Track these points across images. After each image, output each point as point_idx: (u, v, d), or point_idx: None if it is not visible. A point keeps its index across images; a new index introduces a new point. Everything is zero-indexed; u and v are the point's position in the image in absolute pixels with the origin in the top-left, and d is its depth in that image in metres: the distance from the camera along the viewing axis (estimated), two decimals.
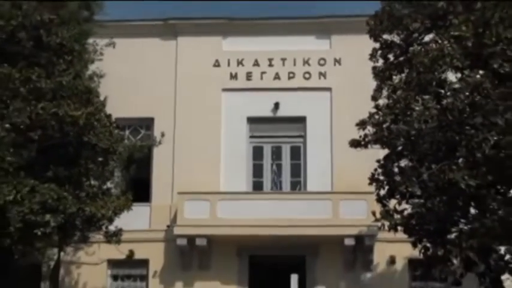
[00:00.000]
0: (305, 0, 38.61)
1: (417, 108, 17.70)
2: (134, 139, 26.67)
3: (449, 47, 17.38)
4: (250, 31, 27.34)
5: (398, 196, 18.81)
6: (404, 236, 19.37)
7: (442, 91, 18.24)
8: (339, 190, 25.20)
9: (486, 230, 16.79)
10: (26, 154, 19.17)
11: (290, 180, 26.57)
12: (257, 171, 26.68)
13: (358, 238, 24.37)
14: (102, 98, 22.69)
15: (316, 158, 26.17)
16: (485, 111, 16.81)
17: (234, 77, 27.00)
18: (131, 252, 25.34)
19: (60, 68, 20.20)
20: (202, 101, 26.63)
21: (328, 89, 26.71)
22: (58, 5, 21.00)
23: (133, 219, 23.48)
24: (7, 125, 18.22)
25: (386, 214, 18.95)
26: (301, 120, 26.73)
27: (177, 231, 24.78)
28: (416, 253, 19.67)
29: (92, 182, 21.35)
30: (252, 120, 26.90)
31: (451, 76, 18.39)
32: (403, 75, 19.15)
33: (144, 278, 25.94)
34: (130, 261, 25.56)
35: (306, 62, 26.91)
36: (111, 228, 21.93)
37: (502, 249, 18.10)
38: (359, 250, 24.83)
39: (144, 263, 25.80)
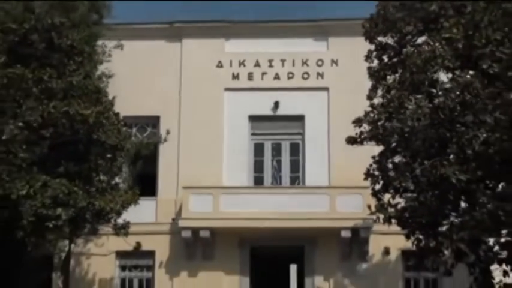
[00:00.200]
0: (303, 0, 38.58)
1: (410, 106, 17.69)
2: (141, 136, 26.62)
3: (440, 48, 17.37)
4: (252, 33, 27.32)
5: (392, 190, 18.83)
6: (398, 229, 19.39)
7: (434, 90, 18.24)
8: (336, 185, 25.19)
9: (476, 223, 16.78)
10: (38, 151, 19.17)
11: (289, 175, 26.57)
12: (258, 166, 26.67)
13: (354, 230, 24.37)
14: (110, 98, 22.72)
15: (314, 154, 26.17)
16: (475, 109, 16.80)
17: (236, 77, 26.99)
18: (138, 244, 25.35)
19: (71, 68, 20.21)
20: (206, 100, 26.62)
21: (326, 89, 26.70)
22: (69, 8, 21.00)
23: (140, 213, 23.53)
24: (20, 123, 18.21)
25: (381, 208, 18.97)
26: (300, 119, 26.72)
27: (182, 223, 24.79)
28: (409, 245, 19.68)
29: (101, 177, 21.37)
30: (253, 119, 26.89)
31: (443, 76, 18.39)
32: (397, 75, 19.16)
33: (150, 268, 25.95)
34: (137, 252, 25.57)
35: (305, 63, 26.88)
36: (119, 221, 21.98)
37: (491, 240, 18.11)
38: (355, 242, 24.83)
39: (151, 254, 25.81)
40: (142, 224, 24.50)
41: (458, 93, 17.19)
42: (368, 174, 19.74)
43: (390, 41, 19.94)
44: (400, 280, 25.33)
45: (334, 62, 26.82)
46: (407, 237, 19.20)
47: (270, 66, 26.93)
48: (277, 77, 26.83)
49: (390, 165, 19.22)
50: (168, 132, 25.49)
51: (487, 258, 17.92)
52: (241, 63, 27.03)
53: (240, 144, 26.56)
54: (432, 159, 17.28)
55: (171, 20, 27.48)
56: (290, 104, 26.54)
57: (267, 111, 26.75)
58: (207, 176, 25.66)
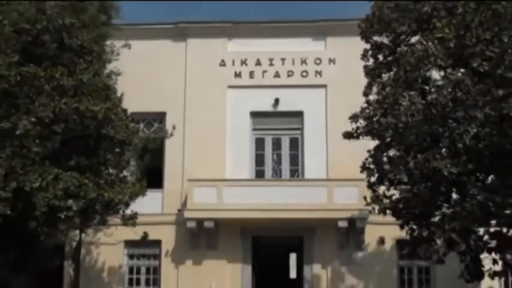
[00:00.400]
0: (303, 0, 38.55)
1: (404, 103, 17.67)
2: (148, 131, 26.63)
3: (433, 47, 17.35)
4: (253, 33, 27.28)
5: (387, 183, 18.82)
6: (393, 219, 19.39)
7: (427, 88, 18.24)
8: (333, 177, 25.19)
9: (467, 214, 16.81)
10: (50, 145, 19.18)
11: (289, 168, 26.55)
12: (259, 160, 26.65)
13: (351, 221, 24.37)
14: (119, 95, 22.71)
15: (313, 149, 26.14)
16: (466, 105, 16.80)
17: (238, 75, 26.96)
18: (145, 234, 25.32)
19: (81, 67, 20.18)
20: (210, 97, 26.59)
21: (324, 86, 26.66)
22: (79, 10, 20.98)
23: (148, 204, 23.58)
24: (33, 119, 18.21)
25: (376, 199, 19.00)
26: (299, 115, 26.70)
27: (187, 214, 24.80)
28: (403, 234, 19.71)
29: (110, 170, 21.38)
30: (254, 114, 26.86)
31: (435, 74, 18.37)
32: (392, 73, 19.14)
33: (157, 257, 25.97)
34: (144, 241, 25.55)
35: (304, 62, 26.85)
36: (128, 212, 22.01)
37: (481, 230, 18.14)
38: (351, 232, 24.83)
39: (157, 243, 25.82)
40: (149, 214, 24.52)
41: (450, 90, 17.19)
42: (364, 167, 19.74)
43: (385, 40, 19.92)
44: (394, 268, 25.34)
45: (331, 60, 26.78)
46: (401, 227, 19.21)
47: (271, 64, 26.90)
48: (277, 75, 26.80)
49: (385, 159, 19.22)
50: (173, 128, 25.43)
51: (477, 247, 17.94)
52: (243, 62, 27.01)
53: (242, 139, 26.55)
54: (425, 153, 17.28)
55: (176, 20, 27.44)
56: (290, 101, 26.51)
57: (268, 107, 26.71)
58: (211, 169, 25.67)
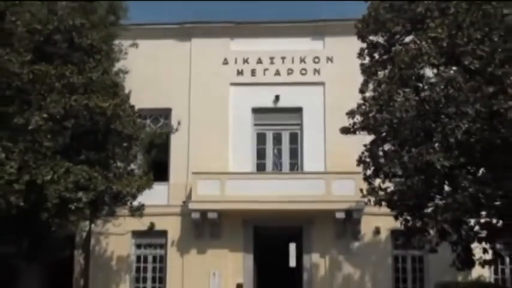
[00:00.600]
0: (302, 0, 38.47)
1: (399, 99, 17.65)
2: (154, 127, 26.64)
3: (426, 46, 17.30)
4: (254, 33, 27.24)
5: (382, 176, 18.79)
6: (388, 210, 19.38)
7: (420, 85, 18.19)
8: (331, 171, 25.16)
9: (458, 205, 16.79)
10: (61, 140, 19.19)
11: (289, 162, 26.54)
12: (260, 154, 26.64)
13: (348, 212, 24.38)
14: (126, 92, 22.77)
15: (312, 143, 26.12)
16: (457, 102, 16.76)
17: (240, 73, 26.93)
18: (152, 224, 25.38)
19: (91, 65, 20.17)
20: (213, 93, 26.57)
21: (322, 84, 26.62)
22: (88, 11, 20.98)
23: (154, 196, 23.57)
24: (45, 115, 18.20)
25: (372, 191, 18.99)
26: (298, 111, 26.67)
27: (191, 206, 24.82)
28: (397, 225, 19.71)
29: (118, 164, 21.40)
30: (256, 111, 26.84)
31: (428, 72, 18.32)
32: (387, 71, 19.10)
33: (163, 246, 25.99)
34: (151, 232, 25.60)
35: (303, 60, 26.81)
36: (135, 203, 22.04)
37: (472, 221, 18.14)
38: (348, 222, 24.83)
39: (163, 233, 25.84)
40: (156, 206, 24.52)
41: (442, 87, 17.15)
42: (360, 161, 19.73)
43: (381, 40, 19.87)
44: (389, 257, 25.36)
45: (329, 59, 26.74)
46: (396, 218, 19.21)
47: (271, 63, 26.87)
48: (277, 73, 26.76)
49: (380, 153, 19.19)
50: (179, 123, 25.49)
51: (468, 237, 17.94)
52: (245, 61, 26.97)
53: (244, 134, 26.52)
54: (418, 147, 17.26)
55: (181, 21, 27.42)
56: (289, 98, 26.49)
57: (269, 103, 26.69)
58: (214, 162, 25.66)
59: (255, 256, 25.65)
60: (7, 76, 17.74)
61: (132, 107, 21.68)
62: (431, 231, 17.77)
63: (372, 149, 19.44)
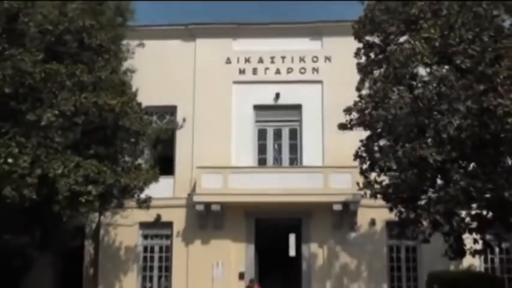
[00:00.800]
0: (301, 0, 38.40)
1: (393, 97, 17.64)
2: (160, 123, 26.62)
3: (420, 46, 17.29)
4: (256, 34, 27.20)
5: (377, 170, 18.82)
6: (383, 202, 19.38)
7: (414, 83, 18.19)
8: (329, 165, 25.15)
9: (450, 198, 16.80)
10: (71, 136, 19.20)
11: (289, 156, 26.52)
12: (262, 149, 26.63)
13: (345, 204, 24.37)
14: (134, 90, 22.75)
15: (310, 139, 26.10)
16: (449, 99, 16.77)
17: (242, 72, 26.90)
18: (158, 216, 25.38)
19: (100, 65, 20.17)
20: (217, 91, 26.55)
21: (320, 82, 26.59)
22: (97, 12, 20.95)
23: (160, 189, 23.57)
24: (56, 112, 18.19)
25: (368, 184, 18.98)
26: (297, 108, 26.64)
27: (195, 198, 24.82)
28: (392, 216, 19.72)
29: (126, 159, 21.40)
30: (257, 108, 26.81)
31: (422, 71, 18.32)
32: (382, 70, 19.09)
33: (169, 237, 25.99)
34: (157, 223, 25.61)
35: (302, 60, 26.77)
36: (142, 196, 22.02)
37: (463, 213, 18.13)
38: (345, 214, 24.82)
39: (169, 224, 25.84)
40: (162, 198, 24.52)
41: (435, 85, 17.16)
42: (357, 156, 19.73)
43: (376, 40, 19.85)
44: (384, 247, 25.36)
45: (327, 58, 26.71)
46: (391, 210, 19.22)
47: (272, 62, 26.83)
48: (278, 71, 26.74)
49: (376, 148, 19.20)
50: (183, 120, 25.54)
51: (459, 228, 17.93)
52: (247, 60, 26.94)
53: (246, 130, 26.50)
54: (412, 142, 17.27)
55: (186, 22, 27.38)
56: (289, 95, 26.46)
57: (269, 101, 26.67)
58: (218, 157, 25.64)
59: (257, 246, 25.64)
60: (20, 75, 17.72)
61: (139, 104, 21.67)
62: (425, 223, 17.76)
63: (367, 144, 19.44)
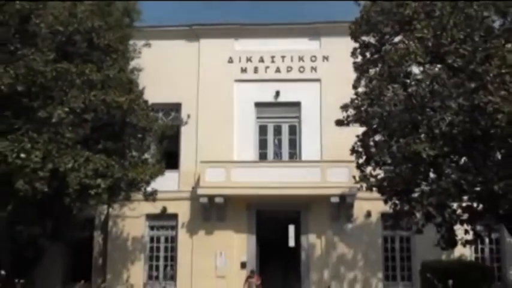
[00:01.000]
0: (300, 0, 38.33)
1: (388, 94, 17.64)
2: (166, 120, 26.62)
3: (413, 46, 17.26)
4: (257, 34, 27.16)
5: (373, 164, 18.81)
6: (378, 195, 19.36)
7: (408, 81, 18.16)
8: (327, 159, 25.13)
9: (442, 190, 16.80)
10: (81, 132, 19.19)
11: (288, 151, 26.51)
12: (262, 144, 26.62)
13: (342, 197, 24.38)
14: (140, 88, 22.75)
15: (309, 134, 26.09)
16: (442, 97, 16.76)
17: (244, 70, 26.89)
18: (164, 208, 25.40)
19: (108, 64, 20.17)
20: (219, 89, 26.54)
21: (318, 80, 26.57)
22: (106, 13, 20.95)
23: (166, 182, 23.65)
24: (66, 109, 18.20)
25: (364, 178, 18.98)
26: (297, 105, 26.61)
27: (199, 191, 24.84)
28: (387, 208, 19.70)
29: (133, 153, 21.42)
30: (258, 105, 26.79)
31: (415, 69, 18.29)
32: (377, 68, 19.06)
33: (174, 228, 26.01)
34: (163, 215, 25.63)
35: (301, 59, 26.75)
36: (149, 189, 22.05)
37: (455, 205, 18.13)
38: (342, 206, 24.84)
39: (174, 216, 25.86)
40: (168, 191, 24.55)
41: (428, 83, 17.14)
42: (353, 151, 19.73)
43: (372, 40, 19.81)
44: (379, 237, 25.37)
45: (325, 58, 26.68)
46: (386, 202, 19.20)
47: (272, 61, 26.81)
48: (278, 70, 26.72)
49: (372, 143, 19.19)
50: (188, 116, 25.53)
51: (451, 219, 17.93)
52: (249, 59, 26.92)
53: (248, 126, 26.51)
54: (406, 137, 17.26)
55: (190, 23, 27.36)
56: (289, 93, 26.44)
57: (270, 98, 26.65)
58: (221, 152, 25.65)
59: (258, 237, 25.66)
60: (32, 74, 17.74)
61: (146, 101, 21.69)
62: (418, 214, 17.76)
63: (363, 139, 19.44)
